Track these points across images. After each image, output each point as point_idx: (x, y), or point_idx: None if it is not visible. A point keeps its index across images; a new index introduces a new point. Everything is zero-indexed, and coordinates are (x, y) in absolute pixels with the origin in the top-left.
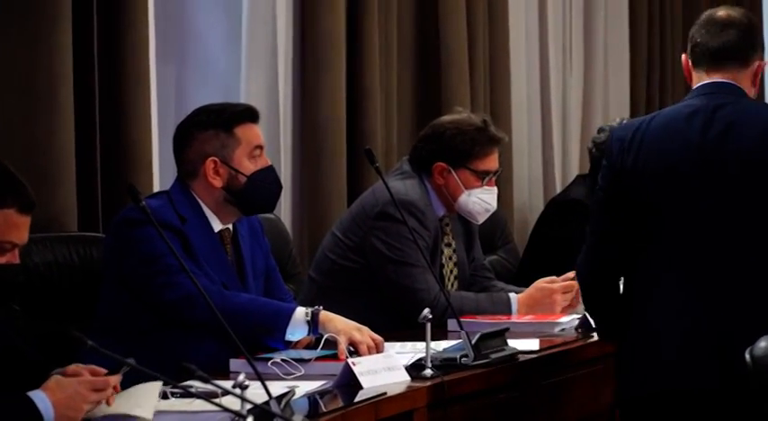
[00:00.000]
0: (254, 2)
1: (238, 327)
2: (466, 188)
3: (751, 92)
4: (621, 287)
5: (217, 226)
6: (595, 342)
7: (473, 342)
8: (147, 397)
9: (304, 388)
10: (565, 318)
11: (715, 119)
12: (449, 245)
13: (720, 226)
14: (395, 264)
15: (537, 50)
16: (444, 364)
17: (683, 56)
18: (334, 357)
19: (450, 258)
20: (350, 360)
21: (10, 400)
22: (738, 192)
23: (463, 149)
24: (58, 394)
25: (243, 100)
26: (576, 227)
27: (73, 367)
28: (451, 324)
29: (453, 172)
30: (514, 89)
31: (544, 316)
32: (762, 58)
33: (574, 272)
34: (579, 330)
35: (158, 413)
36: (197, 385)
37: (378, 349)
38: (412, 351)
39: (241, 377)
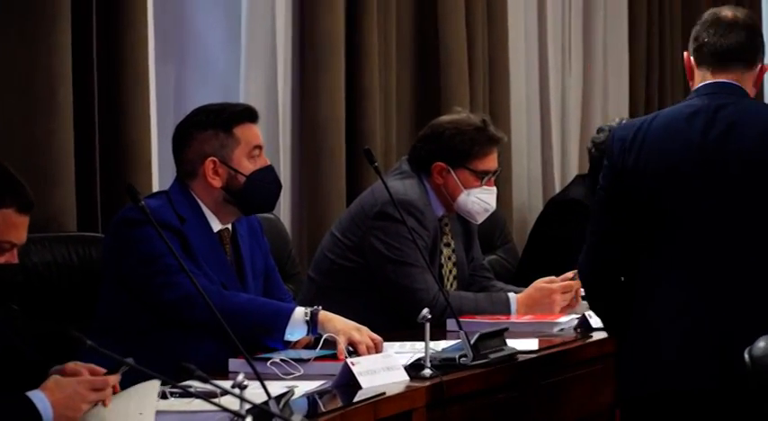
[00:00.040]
0: (254, 2)
1: (237, 327)
2: (465, 188)
3: (752, 93)
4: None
5: (216, 226)
6: (594, 342)
7: (472, 342)
8: (146, 399)
9: (303, 388)
10: (564, 318)
11: (717, 119)
12: (448, 245)
13: (721, 226)
14: (394, 263)
15: (536, 50)
16: (443, 364)
17: (686, 54)
18: (334, 357)
19: (450, 258)
20: (349, 360)
21: (9, 400)
22: (739, 192)
23: (462, 149)
24: (57, 394)
25: (242, 100)
26: (575, 226)
27: (72, 365)
28: (450, 324)
29: (452, 172)
30: (513, 89)
31: (543, 316)
32: (763, 61)
33: (573, 272)
34: (578, 330)
35: (158, 413)
36: (196, 385)
37: (377, 349)
38: (411, 351)
39: (240, 377)
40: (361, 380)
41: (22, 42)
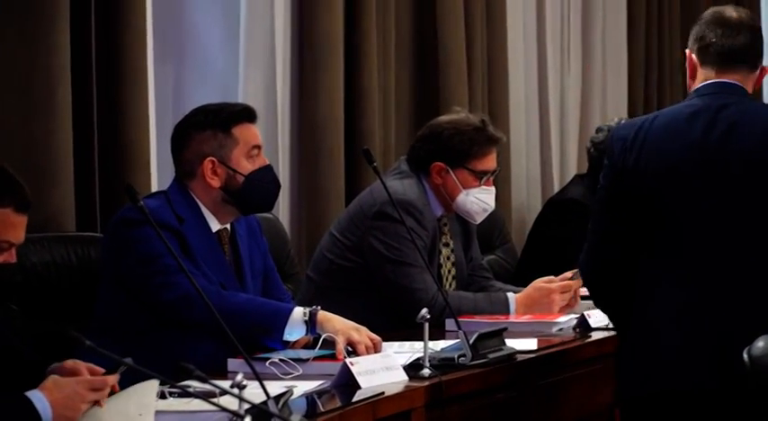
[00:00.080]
0: (252, 1)
1: (236, 327)
2: (464, 188)
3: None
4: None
5: (215, 226)
6: (593, 342)
7: (471, 342)
8: (145, 399)
9: (302, 387)
10: (563, 318)
11: (718, 119)
12: (447, 244)
13: (721, 226)
14: (393, 263)
15: (535, 50)
16: (442, 364)
17: (688, 52)
18: (332, 357)
19: (449, 258)
20: (348, 360)
21: (8, 400)
22: (740, 192)
23: (461, 149)
24: (56, 394)
25: (241, 99)
26: (574, 226)
27: (71, 362)
28: (449, 324)
29: (451, 172)
30: (512, 89)
31: (542, 315)
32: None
33: (572, 271)
34: (577, 330)
35: (157, 413)
36: (195, 385)
37: (376, 349)
38: (410, 351)
39: (239, 377)
40: (360, 379)
41: (21, 42)
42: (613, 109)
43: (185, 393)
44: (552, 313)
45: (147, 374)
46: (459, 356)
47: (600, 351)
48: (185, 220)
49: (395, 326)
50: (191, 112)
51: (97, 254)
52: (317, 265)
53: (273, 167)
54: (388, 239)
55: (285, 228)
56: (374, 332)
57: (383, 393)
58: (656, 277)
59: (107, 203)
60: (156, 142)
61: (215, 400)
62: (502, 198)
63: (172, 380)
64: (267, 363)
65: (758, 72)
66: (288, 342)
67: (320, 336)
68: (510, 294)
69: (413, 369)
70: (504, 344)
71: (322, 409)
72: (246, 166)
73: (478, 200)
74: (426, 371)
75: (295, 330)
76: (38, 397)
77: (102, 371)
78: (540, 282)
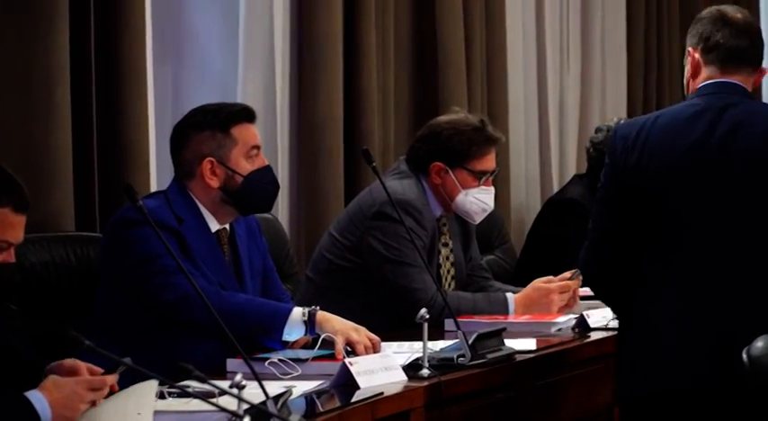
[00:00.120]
0: (252, 1)
1: (235, 328)
2: (463, 188)
3: None
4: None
5: (214, 226)
6: (592, 342)
7: (470, 342)
8: (144, 399)
9: (301, 388)
10: (562, 318)
11: (723, 118)
12: (446, 245)
13: (722, 226)
14: (392, 263)
15: (534, 50)
16: (441, 364)
17: (691, 50)
18: (332, 357)
19: (448, 258)
20: (347, 360)
21: (7, 400)
22: (742, 192)
23: (460, 149)
24: (55, 394)
25: (240, 99)
26: (573, 226)
27: (70, 361)
28: (448, 324)
29: (450, 172)
30: (511, 89)
31: (541, 316)
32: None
33: (571, 271)
34: (576, 330)
35: (155, 413)
36: (194, 385)
37: (375, 349)
38: (409, 351)
39: (238, 377)
40: (359, 380)
41: (20, 42)
42: (612, 109)
43: (184, 393)
44: (551, 313)
45: (145, 374)
46: (458, 356)
47: (599, 351)
48: (184, 221)
49: (394, 327)
50: (190, 113)
51: (96, 254)
52: (316, 265)
53: (273, 167)
54: (387, 239)
55: (284, 228)
56: (373, 332)
57: (382, 393)
58: (657, 277)
59: (106, 203)
60: (155, 142)
61: (214, 400)
62: (501, 198)
63: (171, 380)
64: (266, 364)
65: (756, 74)
66: (287, 342)
67: (319, 337)
68: (509, 294)
69: (412, 369)
70: (503, 344)
71: (321, 409)
72: (245, 167)
73: (477, 200)
74: (425, 372)
75: (294, 330)
76: (37, 397)
77: (101, 371)
78: (538, 283)
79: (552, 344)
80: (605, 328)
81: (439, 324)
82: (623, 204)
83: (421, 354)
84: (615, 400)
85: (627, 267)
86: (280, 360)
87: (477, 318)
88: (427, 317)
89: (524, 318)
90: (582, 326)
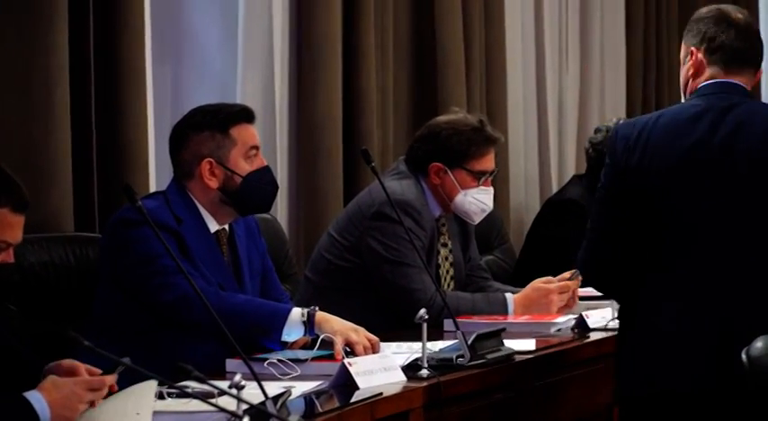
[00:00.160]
0: (251, 1)
1: (235, 328)
2: (462, 188)
3: None
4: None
5: (213, 226)
6: (592, 342)
7: (469, 342)
8: (143, 399)
9: (300, 388)
10: (561, 319)
11: (726, 118)
12: (445, 245)
13: (723, 226)
14: (391, 264)
15: (533, 50)
16: (440, 365)
17: (694, 49)
18: (331, 357)
19: (447, 258)
20: (346, 360)
21: (6, 401)
22: (743, 192)
23: (459, 150)
24: (54, 394)
25: (239, 100)
26: (572, 227)
27: (68, 361)
28: (448, 324)
29: (449, 172)
30: (511, 89)
31: (540, 316)
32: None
33: (570, 272)
34: (575, 330)
35: (155, 413)
36: (193, 385)
37: (374, 349)
38: (408, 351)
39: (237, 377)
40: (359, 380)
41: (19, 42)
42: (612, 109)
43: (184, 393)
44: (550, 313)
45: (145, 374)
46: (457, 357)
47: (598, 351)
48: (183, 221)
49: (393, 327)
50: (189, 113)
51: (95, 254)
52: (315, 266)
53: (272, 168)
54: (386, 240)
55: (283, 229)
56: (372, 332)
57: (381, 394)
58: (657, 277)
59: (105, 204)
60: (154, 142)
61: (213, 401)
62: (500, 198)
63: (170, 380)
64: (265, 364)
65: (755, 75)
66: (286, 342)
67: (318, 337)
68: (508, 295)
69: (411, 369)
70: (503, 344)
71: (320, 410)
72: (244, 167)
73: (477, 200)
74: (424, 372)
75: (293, 331)
76: (36, 397)
77: (100, 371)
78: (538, 283)
79: (551, 345)
80: (604, 329)
81: (438, 324)
82: (624, 204)
83: (420, 355)
84: (615, 400)
85: (626, 267)
86: (279, 360)
87: (476, 319)
88: (426, 317)
89: (523, 319)
90: (581, 326)
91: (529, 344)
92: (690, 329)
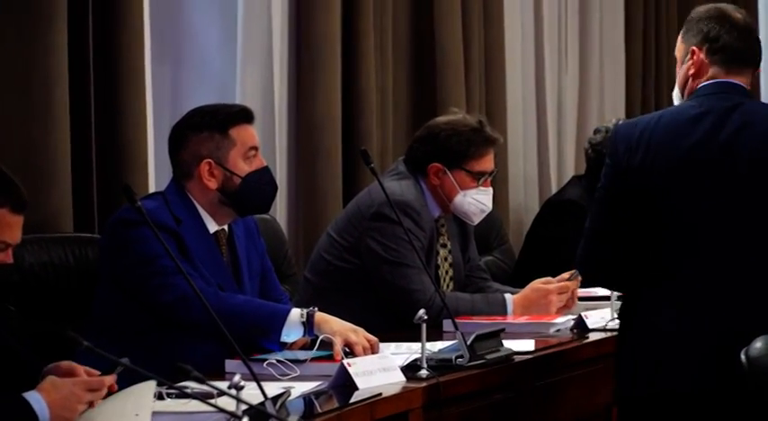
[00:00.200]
0: (250, 2)
1: (234, 329)
2: (461, 189)
3: None
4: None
5: (212, 227)
6: (591, 342)
7: (468, 343)
8: (142, 400)
9: (299, 388)
10: (560, 319)
11: (729, 119)
12: (444, 245)
13: (723, 226)
14: (390, 264)
15: (532, 51)
16: (440, 365)
17: (695, 49)
18: (330, 358)
19: (446, 259)
20: (345, 361)
21: (5, 401)
22: (744, 192)
23: (458, 150)
24: (53, 395)
25: (238, 100)
26: (571, 227)
27: (67, 363)
28: (447, 324)
29: (449, 172)
30: (510, 90)
31: (539, 316)
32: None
33: (569, 272)
34: (574, 331)
35: (154, 414)
36: (192, 386)
37: (373, 350)
38: (407, 352)
39: (236, 378)
40: (358, 380)
41: (19, 42)
42: (611, 110)
43: (183, 394)
44: (550, 314)
45: (144, 375)
46: (456, 357)
47: (597, 352)
48: (183, 221)
49: (392, 327)
50: (188, 113)
51: (95, 254)
52: (314, 266)
53: (271, 168)
54: (385, 240)
55: (283, 229)
56: (371, 333)
57: (380, 394)
58: (657, 277)
59: (105, 204)
60: (153, 143)
61: (212, 401)
62: (499, 199)
63: (169, 380)
64: (265, 364)
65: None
66: (285, 343)
67: (318, 337)
68: (507, 295)
69: (410, 370)
70: (502, 344)
71: (319, 410)
72: (243, 168)
73: (476, 201)
74: (424, 372)
75: (292, 331)
76: (35, 397)
77: (98, 373)
78: (537, 283)
79: (551, 345)
80: (604, 329)
81: (437, 325)
82: (624, 204)
83: (419, 355)
84: (614, 400)
85: (626, 266)
86: (278, 361)
87: (475, 319)
88: (425, 317)
89: (523, 319)
90: (580, 326)
91: (528, 345)
92: (690, 329)
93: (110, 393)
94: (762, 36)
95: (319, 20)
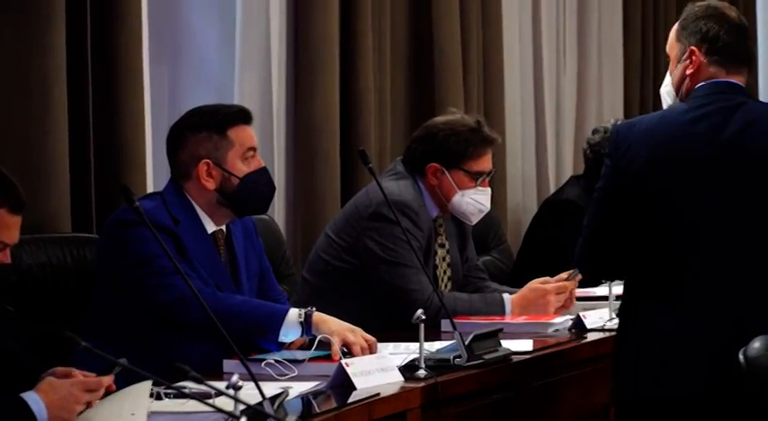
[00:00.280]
0: (248, 3)
1: (232, 329)
2: (459, 189)
3: None
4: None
5: (210, 227)
6: (589, 342)
7: (466, 342)
8: (139, 400)
9: (297, 388)
10: (558, 319)
11: (731, 118)
12: (442, 245)
13: (724, 226)
14: (388, 264)
15: (531, 52)
16: (438, 365)
17: (694, 49)
18: (328, 358)
19: (444, 259)
20: (343, 361)
21: (3, 401)
22: (744, 191)
23: (457, 150)
24: (51, 395)
25: (236, 101)
26: (569, 227)
27: (63, 368)
28: (445, 324)
29: (447, 172)
30: (508, 90)
31: (537, 316)
32: None
33: (567, 272)
34: (573, 331)
35: (152, 414)
36: (190, 386)
37: (371, 350)
38: (405, 352)
39: (234, 378)
40: (356, 380)
41: (17, 42)
42: (609, 110)
43: (181, 394)
44: (548, 314)
45: (141, 375)
46: (454, 357)
47: (595, 352)
48: (181, 222)
49: (390, 328)
50: (186, 114)
51: (93, 255)
52: (312, 266)
53: (269, 169)
54: (383, 240)
55: (281, 229)
56: (369, 333)
57: (379, 394)
58: (657, 277)
59: (103, 204)
60: (151, 143)
61: (210, 401)
62: (497, 199)
63: (167, 380)
64: (263, 364)
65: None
66: (283, 343)
67: (316, 338)
68: (505, 295)
69: (408, 370)
70: (500, 344)
71: (317, 410)
72: (241, 169)
73: (474, 201)
74: (422, 372)
75: (290, 331)
76: (33, 398)
77: (94, 375)
78: (535, 283)
79: (549, 345)
80: (602, 329)
81: (435, 325)
82: (624, 203)
83: (417, 355)
84: (612, 401)
85: (625, 264)
86: (276, 361)
87: (473, 319)
88: (423, 318)
89: (521, 319)
90: (578, 326)
91: (526, 345)
92: (690, 329)
93: (108, 393)
94: (761, 36)
95: (317, 21)
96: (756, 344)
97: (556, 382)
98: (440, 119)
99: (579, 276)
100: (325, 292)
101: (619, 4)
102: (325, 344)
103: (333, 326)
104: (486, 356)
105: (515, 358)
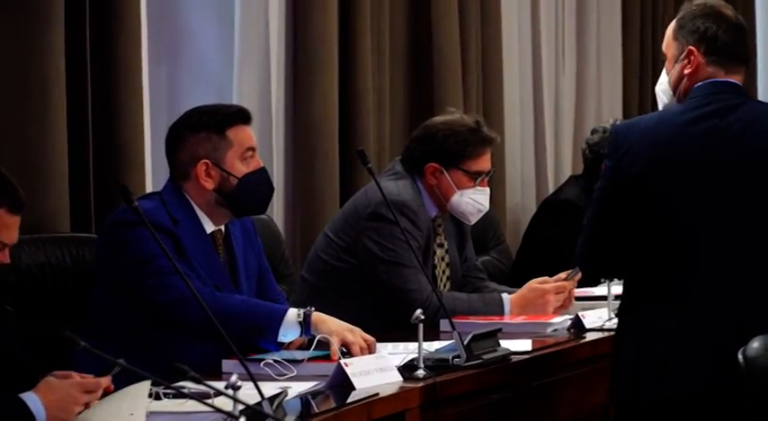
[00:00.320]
0: (247, 3)
1: (231, 329)
2: (458, 189)
3: None
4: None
5: (209, 227)
6: (588, 342)
7: (465, 342)
8: (138, 400)
9: (296, 388)
10: (557, 319)
11: (731, 118)
12: (441, 245)
13: (724, 226)
14: (387, 264)
15: (529, 51)
16: (436, 365)
17: (692, 49)
18: (327, 358)
19: (443, 259)
20: (342, 361)
21: (2, 402)
22: (744, 191)
23: (455, 150)
24: (50, 396)
25: (235, 101)
26: (568, 227)
27: (61, 372)
28: (444, 324)
29: (446, 172)
30: (507, 90)
31: (536, 316)
32: None
33: (566, 272)
34: (571, 331)
35: (151, 414)
36: (189, 386)
37: (370, 350)
38: (404, 351)
39: (233, 378)
40: (355, 380)
41: (16, 42)
42: (608, 110)
43: (180, 394)
44: (547, 314)
45: (140, 375)
46: (453, 357)
47: (594, 352)
48: (179, 222)
49: (389, 327)
50: (185, 114)
51: (92, 255)
52: (311, 266)
53: (268, 169)
54: (382, 240)
55: (280, 229)
56: (368, 333)
57: (378, 394)
58: (657, 278)
59: (102, 204)
60: (150, 143)
61: (209, 401)
62: (496, 199)
63: (166, 380)
64: (262, 364)
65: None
66: (282, 343)
67: (315, 337)
68: (504, 295)
69: (407, 370)
70: (499, 344)
71: (316, 410)
72: (240, 169)
73: (473, 200)
74: (421, 372)
75: (289, 331)
76: (32, 398)
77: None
78: (534, 283)
79: (548, 345)
80: (601, 329)
81: (434, 325)
82: (624, 203)
83: (416, 355)
84: (610, 401)
85: (625, 263)
86: (275, 361)
87: (472, 319)
88: (422, 317)
89: (520, 319)
90: (577, 326)
91: (525, 345)
92: (690, 329)
93: (106, 394)
94: (760, 36)
95: (316, 21)
96: (755, 344)
97: (555, 382)
98: (439, 119)
99: (578, 276)
100: (324, 292)
101: (617, 4)
102: (324, 344)
103: (332, 326)
104: (485, 356)
105: (514, 358)
